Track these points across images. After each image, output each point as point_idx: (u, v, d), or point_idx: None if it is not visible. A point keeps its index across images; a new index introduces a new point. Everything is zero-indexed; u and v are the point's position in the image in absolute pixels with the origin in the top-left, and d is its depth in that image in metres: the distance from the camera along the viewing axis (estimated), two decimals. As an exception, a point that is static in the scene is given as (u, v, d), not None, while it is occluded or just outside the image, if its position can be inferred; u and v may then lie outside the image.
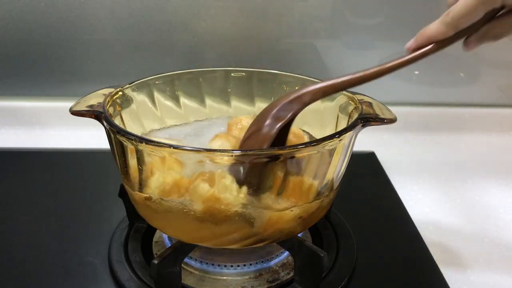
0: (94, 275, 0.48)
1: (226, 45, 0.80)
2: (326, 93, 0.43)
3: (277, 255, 0.50)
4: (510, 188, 0.69)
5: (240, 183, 0.40)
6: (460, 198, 0.66)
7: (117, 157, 0.44)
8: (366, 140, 0.57)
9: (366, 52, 0.83)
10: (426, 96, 0.86)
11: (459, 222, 0.61)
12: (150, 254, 0.51)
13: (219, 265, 0.48)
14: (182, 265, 0.46)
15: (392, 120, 0.44)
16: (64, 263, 0.50)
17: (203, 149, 0.38)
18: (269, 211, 0.41)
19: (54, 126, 0.82)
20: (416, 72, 0.85)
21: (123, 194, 0.51)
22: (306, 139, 0.53)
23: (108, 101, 0.47)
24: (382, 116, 0.44)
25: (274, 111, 0.44)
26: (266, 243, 0.46)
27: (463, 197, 0.66)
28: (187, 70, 0.57)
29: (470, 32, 0.40)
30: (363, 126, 0.43)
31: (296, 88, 0.44)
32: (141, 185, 0.43)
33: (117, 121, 0.47)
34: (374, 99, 0.48)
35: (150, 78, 0.54)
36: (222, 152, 0.39)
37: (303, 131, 0.54)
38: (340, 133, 0.41)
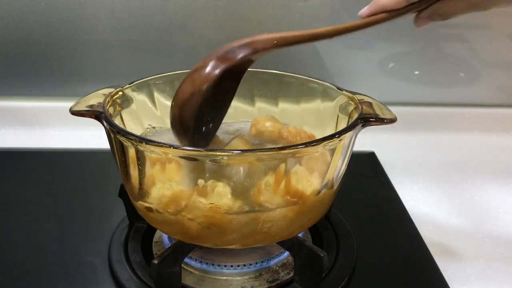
0: (94, 275, 0.48)
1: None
2: (277, 44, 0.42)
3: (277, 255, 0.50)
4: (510, 188, 0.69)
5: (237, 184, 0.40)
6: (460, 198, 0.66)
7: (117, 157, 0.44)
8: (366, 140, 0.57)
9: (366, 52, 0.83)
10: (426, 96, 0.86)
11: (459, 222, 0.61)
12: (150, 254, 0.51)
13: (219, 265, 0.48)
14: (182, 265, 0.46)
15: (392, 120, 0.44)
16: (64, 263, 0.50)
17: (203, 149, 0.38)
18: (268, 211, 0.41)
19: (54, 126, 0.82)
20: (416, 72, 0.85)
21: (123, 194, 0.51)
22: None
23: (108, 101, 0.47)
24: (382, 116, 0.44)
25: (222, 52, 0.42)
26: (266, 243, 0.46)
27: (463, 197, 0.66)
28: (187, 70, 0.57)
29: (421, 7, 0.41)
30: (363, 126, 0.43)
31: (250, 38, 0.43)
32: (141, 185, 0.43)
33: (117, 121, 0.47)
34: (374, 99, 0.48)
35: (150, 78, 0.54)
36: (222, 152, 0.39)
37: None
38: (340, 133, 0.41)
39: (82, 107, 0.45)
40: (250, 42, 0.42)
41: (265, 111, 0.58)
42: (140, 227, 0.54)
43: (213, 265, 0.48)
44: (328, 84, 0.53)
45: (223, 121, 0.53)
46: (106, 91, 0.48)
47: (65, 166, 0.71)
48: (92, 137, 0.70)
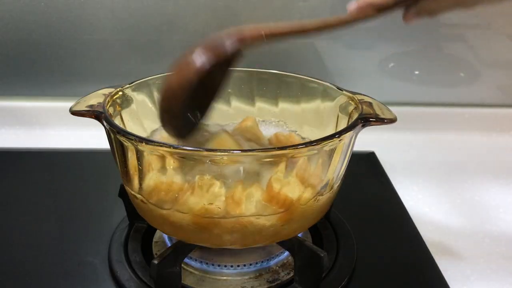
0: (94, 275, 0.48)
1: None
2: (265, 35, 0.41)
3: (277, 255, 0.50)
4: (510, 188, 0.69)
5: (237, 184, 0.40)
6: (460, 198, 0.66)
7: (117, 157, 0.44)
8: (366, 140, 0.57)
9: (366, 52, 0.83)
10: (426, 96, 0.86)
11: (459, 222, 0.61)
12: (150, 254, 0.51)
13: (219, 265, 0.48)
14: (182, 265, 0.46)
15: (392, 120, 0.44)
16: (64, 263, 0.50)
17: (203, 149, 0.38)
18: (268, 211, 0.41)
19: (54, 126, 0.82)
20: (416, 72, 0.85)
21: (123, 194, 0.51)
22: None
23: (108, 101, 0.47)
24: (382, 116, 0.44)
25: (211, 44, 0.41)
26: (266, 243, 0.46)
27: (463, 197, 0.66)
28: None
29: (408, 3, 0.42)
30: (363, 126, 0.43)
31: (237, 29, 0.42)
32: (141, 185, 0.43)
33: (117, 121, 0.47)
34: (374, 99, 0.48)
35: (150, 78, 0.54)
36: (222, 152, 0.39)
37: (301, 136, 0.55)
38: (340, 133, 0.41)
39: (82, 107, 0.45)
40: (239, 36, 0.41)
41: (265, 111, 0.58)
42: (140, 227, 0.54)
43: (213, 265, 0.48)
44: (328, 84, 0.53)
45: (223, 122, 0.53)
46: (106, 91, 0.48)
47: (65, 166, 0.71)
48: (92, 137, 0.70)
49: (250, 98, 0.59)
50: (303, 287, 0.46)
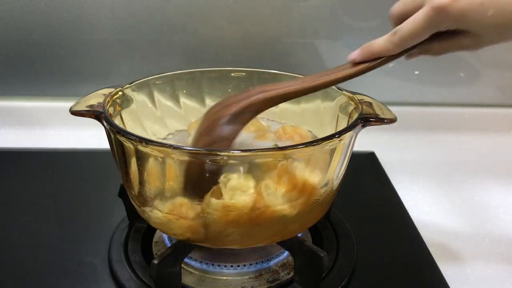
0: (94, 275, 0.48)
1: (226, 45, 0.80)
2: (276, 103, 0.45)
3: (277, 255, 0.50)
4: (510, 188, 0.69)
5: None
6: (460, 198, 0.66)
7: (117, 157, 0.44)
8: (366, 140, 0.57)
9: (366, 52, 0.83)
10: (426, 96, 0.86)
11: (459, 222, 0.61)
12: (150, 254, 0.51)
13: (219, 265, 0.48)
14: (182, 265, 0.46)
15: (392, 120, 0.44)
16: (64, 263, 0.50)
17: (203, 149, 0.38)
18: (269, 211, 0.41)
19: (54, 126, 0.82)
20: (416, 72, 0.85)
21: (123, 194, 0.51)
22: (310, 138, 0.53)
23: (108, 101, 0.47)
24: (382, 116, 0.44)
25: (223, 129, 0.43)
26: (266, 243, 0.46)
27: (463, 197, 0.66)
28: (187, 70, 0.57)
29: (415, 48, 0.42)
30: (363, 126, 0.43)
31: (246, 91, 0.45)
32: (141, 185, 0.43)
33: (117, 121, 0.47)
34: (374, 99, 0.48)
35: (150, 78, 0.54)
36: (222, 152, 0.39)
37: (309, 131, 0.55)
38: (340, 133, 0.41)
39: (82, 107, 0.45)
40: (248, 106, 0.44)
41: (265, 111, 0.58)
42: (140, 227, 0.54)
43: (213, 265, 0.48)
44: (328, 84, 0.53)
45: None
46: (106, 91, 0.48)
47: (65, 166, 0.71)
48: (92, 137, 0.70)
49: (250, 98, 0.58)
50: (303, 287, 0.46)
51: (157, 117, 0.56)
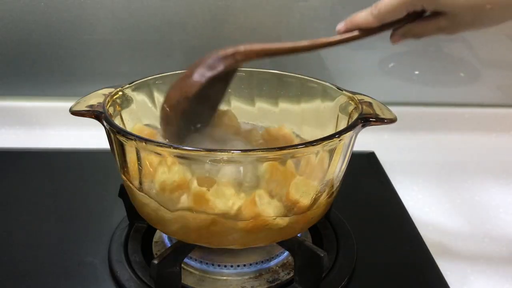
0: (94, 275, 0.48)
1: (226, 45, 0.79)
2: (258, 55, 0.46)
3: (277, 255, 0.50)
4: (510, 188, 0.69)
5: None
6: (460, 198, 0.66)
7: (117, 157, 0.44)
8: (366, 140, 0.57)
9: (366, 52, 0.83)
10: (426, 96, 0.86)
11: (459, 222, 0.61)
12: (150, 254, 0.51)
13: (219, 265, 0.48)
14: (182, 265, 0.46)
15: (392, 120, 0.44)
16: (64, 263, 0.50)
17: (203, 149, 0.38)
18: (269, 211, 0.41)
19: (54, 126, 0.82)
20: (416, 72, 0.85)
21: (123, 194, 0.51)
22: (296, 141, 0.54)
23: (108, 101, 0.47)
24: (382, 116, 0.44)
25: (208, 60, 0.46)
26: (266, 243, 0.46)
27: (463, 197, 0.66)
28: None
29: (395, 26, 0.44)
30: (363, 126, 0.43)
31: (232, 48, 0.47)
32: (141, 186, 0.43)
33: (117, 121, 0.47)
34: (374, 99, 0.48)
35: (150, 78, 0.54)
36: (222, 152, 0.39)
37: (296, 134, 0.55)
38: (340, 133, 0.41)
39: (82, 107, 0.45)
40: (233, 53, 0.46)
41: (265, 111, 0.58)
42: (140, 227, 0.54)
43: (213, 265, 0.48)
44: (328, 84, 0.53)
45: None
46: (106, 91, 0.48)
47: (65, 166, 0.71)
48: (92, 137, 0.70)
49: (250, 98, 0.59)
50: (303, 287, 0.46)
51: (157, 117, 0.55)
